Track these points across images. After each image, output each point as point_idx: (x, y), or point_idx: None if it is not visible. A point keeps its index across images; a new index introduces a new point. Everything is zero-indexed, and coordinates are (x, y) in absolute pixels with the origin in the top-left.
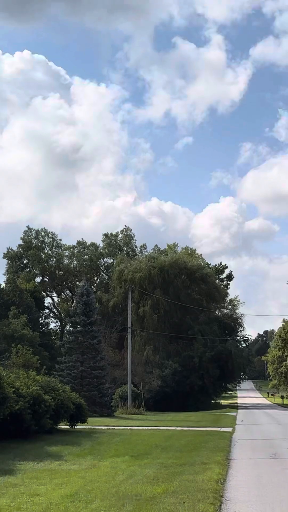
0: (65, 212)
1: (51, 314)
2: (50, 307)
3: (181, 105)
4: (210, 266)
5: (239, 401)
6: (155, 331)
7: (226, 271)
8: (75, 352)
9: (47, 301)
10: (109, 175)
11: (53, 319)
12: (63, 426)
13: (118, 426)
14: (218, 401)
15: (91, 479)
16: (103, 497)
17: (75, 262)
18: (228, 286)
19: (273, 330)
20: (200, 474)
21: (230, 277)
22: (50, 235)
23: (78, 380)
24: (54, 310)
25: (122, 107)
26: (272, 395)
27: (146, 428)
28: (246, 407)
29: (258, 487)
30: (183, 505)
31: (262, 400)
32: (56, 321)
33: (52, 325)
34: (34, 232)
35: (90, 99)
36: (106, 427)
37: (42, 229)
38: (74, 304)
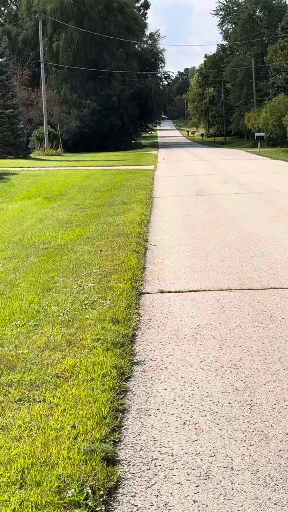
0: None
1: None
2: None
3: None
4: None
5: (159, 140)
6: (72, 66)
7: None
8: None
9: None
10: None
11: None
12: None
13: (34, 167)
14: (139, 141)
15: None
16: (4, 247)
17: None
18: (146, 16)
19: (194, 67)
20: (121, 215)
21: (146, 5)
22: None
23: None
24: None
25: None
26: (192, 133)
27: (64, 168)
28: (167, 145)
29: (188, 229)
30: (99, 254)
31: (182, 138)
32: None
33: None
34: None
35: None
36: (20, 169)
37: None
38: None
